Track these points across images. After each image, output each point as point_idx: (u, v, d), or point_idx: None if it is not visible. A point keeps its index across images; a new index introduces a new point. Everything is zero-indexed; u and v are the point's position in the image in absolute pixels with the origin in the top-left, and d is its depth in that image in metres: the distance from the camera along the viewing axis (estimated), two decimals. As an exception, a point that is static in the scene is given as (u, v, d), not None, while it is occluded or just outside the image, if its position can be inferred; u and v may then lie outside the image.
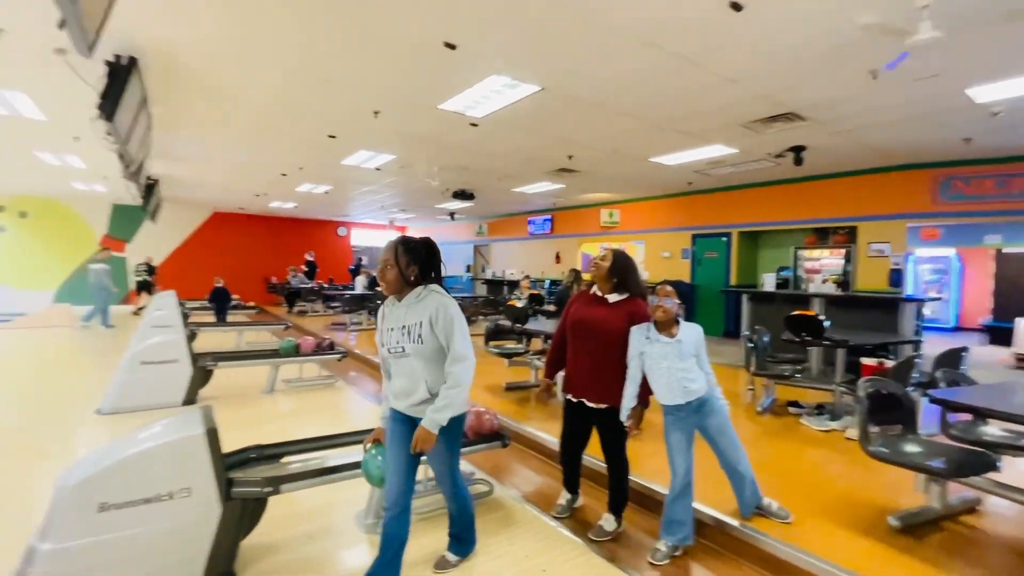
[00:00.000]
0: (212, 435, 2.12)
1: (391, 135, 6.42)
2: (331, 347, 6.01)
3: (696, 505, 2.57)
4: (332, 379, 6.01)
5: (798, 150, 6.50)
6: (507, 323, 5.85)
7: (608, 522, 2.66)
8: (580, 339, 2.66)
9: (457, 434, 2.19)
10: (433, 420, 1.99)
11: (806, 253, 8.66)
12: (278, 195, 12.02)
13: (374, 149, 7.26)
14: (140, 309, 11.33)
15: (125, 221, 13.76)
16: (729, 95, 4.67)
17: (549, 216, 13.42)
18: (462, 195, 10.45)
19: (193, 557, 2.03)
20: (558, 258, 13.18)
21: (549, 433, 3.84)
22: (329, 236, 17.89)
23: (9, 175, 10.03)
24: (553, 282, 12.46)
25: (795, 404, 4.75)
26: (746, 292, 7.76)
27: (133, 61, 4.03)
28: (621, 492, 2.67)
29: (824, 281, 7.47)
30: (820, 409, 4.49)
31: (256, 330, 9.13)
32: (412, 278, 2.09)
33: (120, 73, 3.91)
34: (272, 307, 14.29)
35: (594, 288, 2.72)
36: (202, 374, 5.11)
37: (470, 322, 8.14)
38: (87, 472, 1.89)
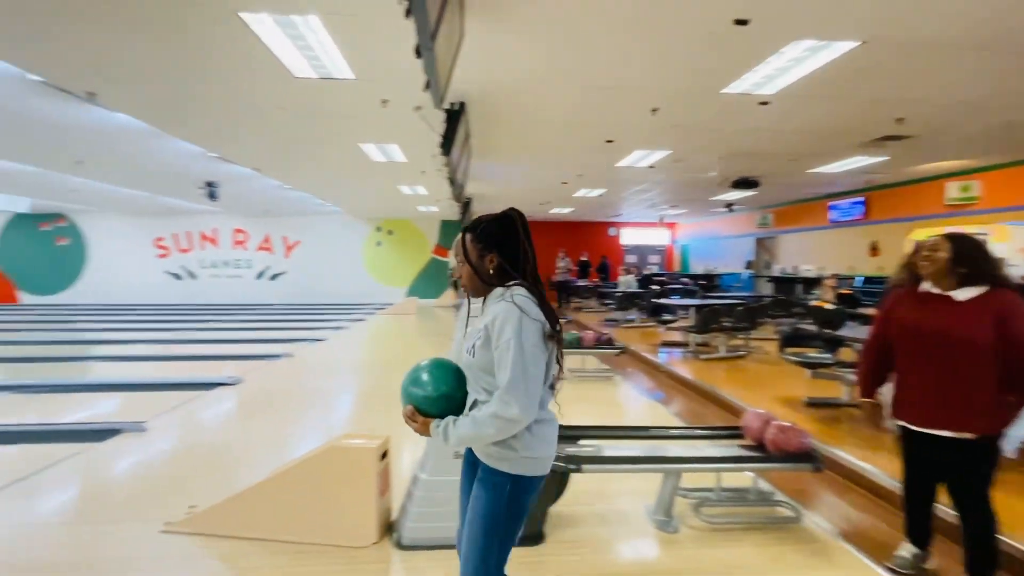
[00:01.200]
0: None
1: (668, 130, 6.31)
2: (610, 342, 6.29)
3: None
4: (610, 372, 6.29)
5: None
6: (809, 328, 5.05)
7: None
8: (919, 352, 2.10)
9: (509, 514, 1.43)
10: (441, 424, 1.43)
11: None
12: (558, 201, 13.31)
13: (648, 147, 7.27)
14: (456, 305, 14.37)
15: (448, 233, 17.55)
16: None
17: (860, 198, 10.91)
18: (744, 183, 9.47)
19: (514, 511, 2.42)
20: (875, 249, 10.60)
21: (870, 463, 3.16)
22: (601, 236, 18.83)
23: (384, 204, 14.04)
24: (868, 279, 10.14)
25: None
26: None
27: (463, 106, 5.07)
28: (986, 553, 2.02)
29: None
30: None
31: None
32: (491, 271, 1.47)
33: (454, 117, 4.97)
34: (551, 303, 16.01)
35: (925, 285, 2.12)
36: (506, 358, 6.06)
37: (755, 324, 7.31)
38: (445, 427, 2.47)
